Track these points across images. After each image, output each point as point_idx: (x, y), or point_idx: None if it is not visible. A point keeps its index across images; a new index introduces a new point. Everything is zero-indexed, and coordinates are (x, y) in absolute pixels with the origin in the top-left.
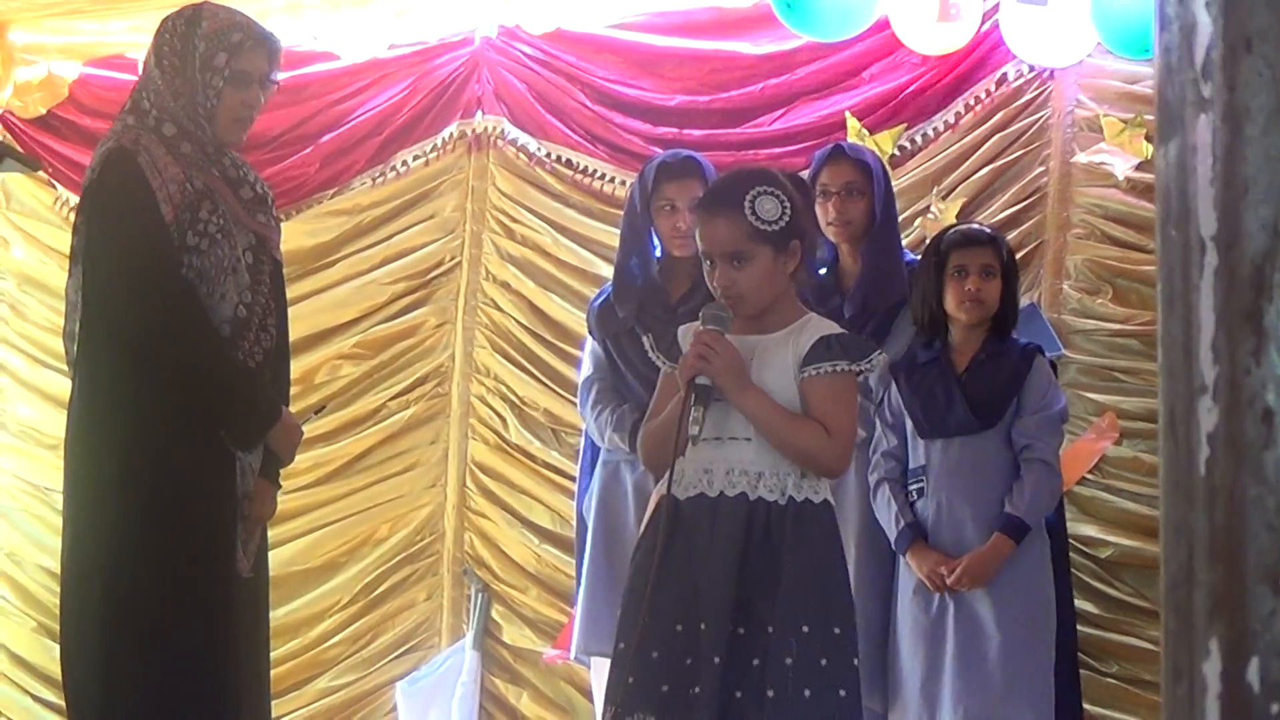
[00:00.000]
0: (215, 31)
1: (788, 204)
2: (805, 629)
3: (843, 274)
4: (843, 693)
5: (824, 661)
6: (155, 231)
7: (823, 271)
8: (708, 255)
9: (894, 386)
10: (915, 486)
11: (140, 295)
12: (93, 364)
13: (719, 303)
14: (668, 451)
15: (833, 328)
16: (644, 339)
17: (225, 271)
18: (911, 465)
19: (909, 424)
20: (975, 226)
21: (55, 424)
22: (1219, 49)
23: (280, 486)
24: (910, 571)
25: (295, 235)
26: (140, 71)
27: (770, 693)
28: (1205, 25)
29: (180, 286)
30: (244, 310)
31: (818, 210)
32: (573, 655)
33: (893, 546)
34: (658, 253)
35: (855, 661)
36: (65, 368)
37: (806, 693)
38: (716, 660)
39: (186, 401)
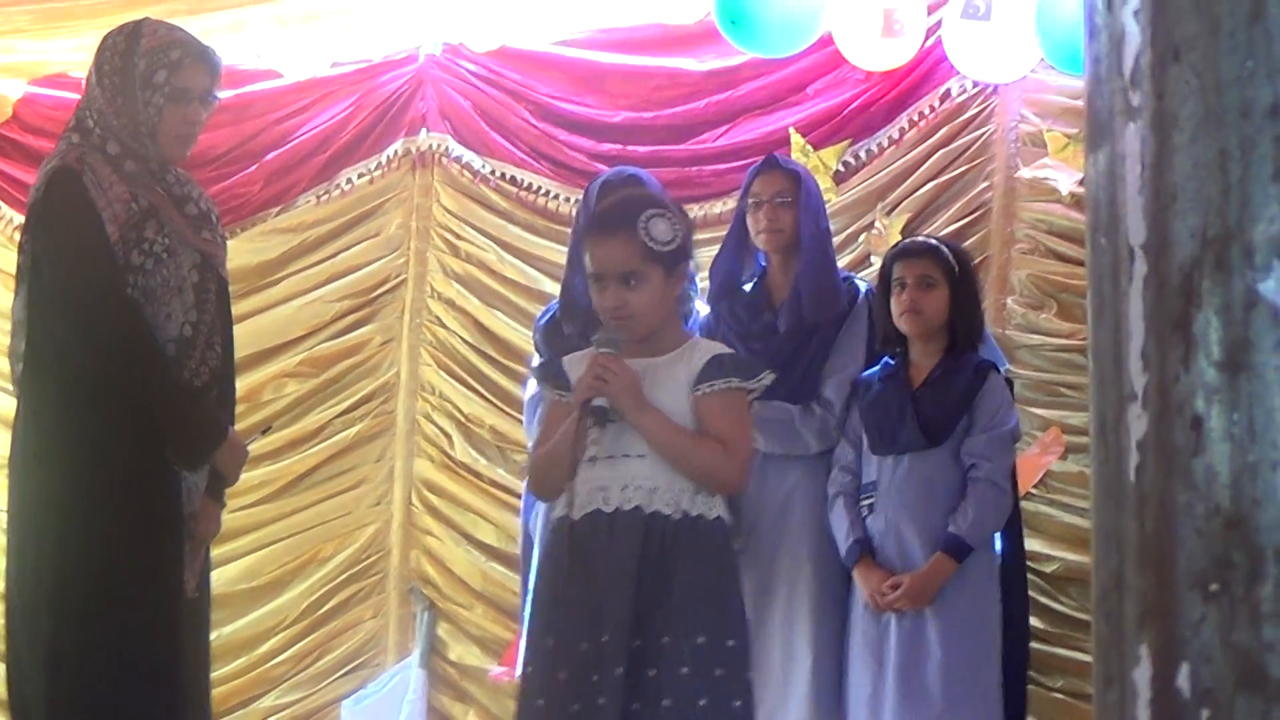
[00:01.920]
0: (155, 48)
1: (679, 227)
2: (700, 640)
3: (773, 288)
4: (737, 703)
5: (719, 672)
6: (99, 250)
7: (748, 287)
8: (599, 276)
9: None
10: (867, 502)
11: (84, 315)
12: (38, 383)
13: (612, 326)
14: (561, 475)
15: (723, 349)
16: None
17: (171, 291)
18: (864, 480)
19: (866, 439)
20: (919, 238)
21: None
22: (1147, 57)
23: (225, 505)
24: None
25: (240, 253)
26: (83, 89)
27: (666, 702)
28: (1134, 34)
29: (125, 306)
30: (190, 329)
31: (748, 221)
32: (518, 673)
33: (843, 560)
34: None
35: (748, 674)
36: (5, 385)
37: (702, 702)
38: (619, 671)
39: (131, 421)
